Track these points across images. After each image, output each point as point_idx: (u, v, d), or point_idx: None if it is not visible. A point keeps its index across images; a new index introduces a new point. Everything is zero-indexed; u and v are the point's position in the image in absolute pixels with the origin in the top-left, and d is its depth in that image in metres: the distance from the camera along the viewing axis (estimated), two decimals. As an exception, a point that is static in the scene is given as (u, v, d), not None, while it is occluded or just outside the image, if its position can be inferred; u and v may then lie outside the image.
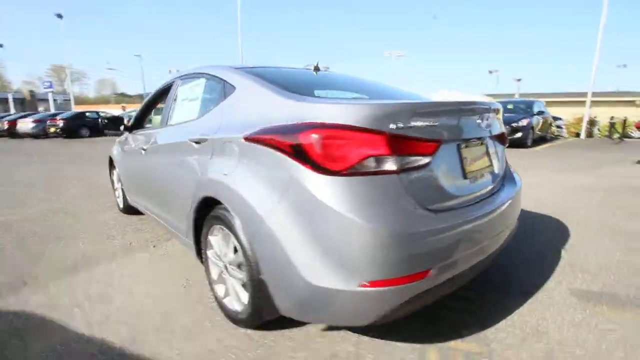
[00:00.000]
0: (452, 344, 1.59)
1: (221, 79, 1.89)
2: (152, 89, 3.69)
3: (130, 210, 3.66)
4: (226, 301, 1.78)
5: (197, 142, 1.85)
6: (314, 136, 1.23)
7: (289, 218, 1.27)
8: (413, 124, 1.27)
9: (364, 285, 1.19)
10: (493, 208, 1.54)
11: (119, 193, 3.83)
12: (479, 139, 1.63)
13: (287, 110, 1.38)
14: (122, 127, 3.33)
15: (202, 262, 2.04)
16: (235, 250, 1.66)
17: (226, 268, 1.73)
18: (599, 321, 1.73)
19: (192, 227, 1.95)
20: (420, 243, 1.23)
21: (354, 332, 1.67)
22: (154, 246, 2.88)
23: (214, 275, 1.88)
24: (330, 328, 1.71)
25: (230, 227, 1.56)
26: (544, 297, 1.97)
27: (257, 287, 1.48)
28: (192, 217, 1.91)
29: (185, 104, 2.29)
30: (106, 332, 1.72)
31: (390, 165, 1.22)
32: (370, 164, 1.21)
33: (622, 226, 3.09)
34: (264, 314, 1.53)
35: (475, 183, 1.59)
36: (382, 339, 1.62)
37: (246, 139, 1.47)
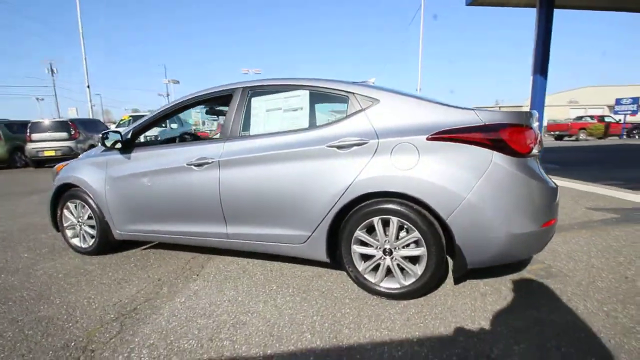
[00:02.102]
0: (529, 268, 2.37)
1: (348, 91, 2.09)
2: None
3: (106, 248, 2.94)
4: (386, 284, 2.00)
5: (340, 147, 2.00)
6: (510, 132, 1.76)
7: (491, 190, 1.73)
8: (535, 123, 1.98)
9: (544, 225, 1.81)
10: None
11: (77, 231, 2.98)
12: None
13: (460, 116, 1.83)
14: (106, 144, 2.69)
15: (332, 263, 2.17)
16: (398, 236, 1.95)
17: (389, 252, 1.97)
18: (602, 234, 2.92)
19: (326, 230, 2.05)
20: (555, 196, 1.95)
21: (473, 279, 2.22)
22: (197, 275, 2.54)
23: (362, 267, 2.05)
24: (457, 283, 2.20)
25: (401, 213, 1.88)
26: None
27: (441, 254, 1.85)
28: (330, 219, 2.02)
29: (277, 114, 2.27)
30: (308, 346, 1.67)
31: (536, 150, 1.88)
32: (533, 149, 1.84)
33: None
34: (451, 273, 1.89)
35: None
36: (494, 277, 2.24)
37: (431, 138, 1.82)
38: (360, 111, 2.04)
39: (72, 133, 10.06)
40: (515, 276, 2.26)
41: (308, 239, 2.14)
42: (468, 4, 5.74)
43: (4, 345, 1.76)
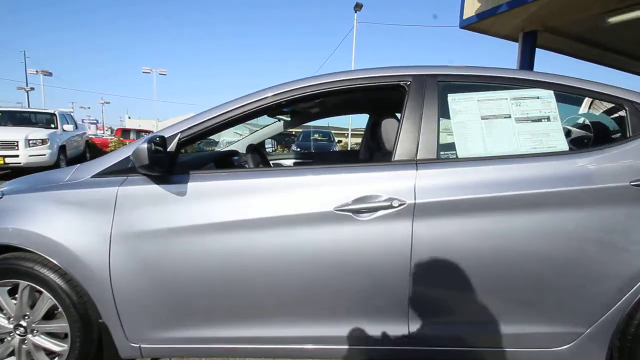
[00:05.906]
0: None
1: (625, 99, 1.34)
2: None
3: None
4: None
5: None
6: None
7: None
8: None
9: None
10: None
11: (4, 349, 1.37)
12: None
13: None
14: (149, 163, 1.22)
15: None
16: None
17: None
18: None
19: (615, 324, 1.23)
20: None
21: None
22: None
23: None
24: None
25: None
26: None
27: None
28: (630, 305, 1.20)
29: (505, 124, 1.31)
30: None
31: None
32: None
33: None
34: None
35: None
36: None
37: None
38: None
39: None
40: None
41: (578, 338, 1.27)
42: (461, 27, 5.74)
43: None
